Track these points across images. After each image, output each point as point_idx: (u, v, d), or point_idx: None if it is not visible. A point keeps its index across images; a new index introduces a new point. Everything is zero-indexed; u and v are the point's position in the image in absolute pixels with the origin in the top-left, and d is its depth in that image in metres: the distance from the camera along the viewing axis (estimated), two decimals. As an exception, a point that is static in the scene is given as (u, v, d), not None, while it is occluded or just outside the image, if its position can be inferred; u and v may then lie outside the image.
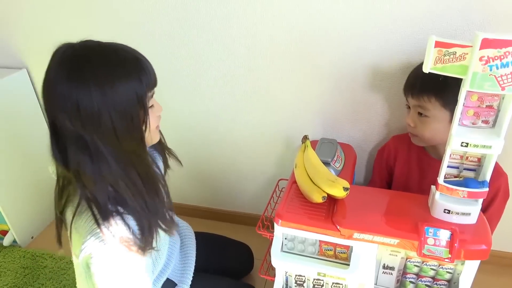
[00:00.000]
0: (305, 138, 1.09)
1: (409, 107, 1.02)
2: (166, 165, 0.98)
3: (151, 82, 0.72)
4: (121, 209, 0.72)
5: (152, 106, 0.76)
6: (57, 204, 0.78)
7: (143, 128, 0.73)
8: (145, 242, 0.74)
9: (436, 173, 0.84)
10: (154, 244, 0.77)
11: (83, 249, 0.70)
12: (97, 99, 0.65)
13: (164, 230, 0.82)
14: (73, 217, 0.73)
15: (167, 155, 0.97)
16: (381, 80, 1.12)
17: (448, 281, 0.89)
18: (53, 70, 0.67)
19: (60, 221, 0.78)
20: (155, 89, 0.77)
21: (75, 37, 0.72)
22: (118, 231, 0.70)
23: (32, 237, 1.60)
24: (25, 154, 1.52)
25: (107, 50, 0.69)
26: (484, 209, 0.87)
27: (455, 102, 0.76)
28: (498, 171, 0.99)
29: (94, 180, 0.69)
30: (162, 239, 0.85)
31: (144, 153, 0.75)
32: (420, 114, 0.97)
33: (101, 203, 0.70)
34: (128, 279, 0.75)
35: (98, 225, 0.69)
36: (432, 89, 0.92)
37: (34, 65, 1.46)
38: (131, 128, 0.70)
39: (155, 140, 0.82)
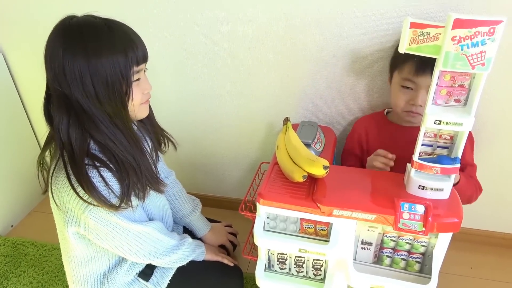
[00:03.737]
0: (286, 120, 1.11)
1: (407, 88, 1.01)
2: (158, 148, 1.00)
3: (138, 58, 0.78)
4: (99, 165, 0.77)
5: (138, 79, 0.82)
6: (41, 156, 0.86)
7: (126, 98, 0.79)
8: (121, 199, 0.80)
9: (407, 139, 0.90)
10: (135, 203, 0.83)
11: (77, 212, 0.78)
12: (80, 65, 0.73)
13: (153, 188, 0.89)
14: (52, 172, 0.81)
15: (161, 138, 1.01)
16: (360, 63, 1.15)
17: (423, 254, 0.93)
18: (52, 35, 0.76)
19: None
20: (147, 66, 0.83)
21: (52, 20, 0.74)
22: (94, 189, 0.76)
23: (12, 225, 1.58)
24: (3, 141, 1.49)
25: (101, 24, 0.76)
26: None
27: None
28: None
29: (69, 137, 0.76)
30: (152, 201, 0.91)
31: (127, 119, 0.81)
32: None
33: (78, 160, 0.76)
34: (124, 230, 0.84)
35: (70, 181, 0.76)
36: None
37: (11, 49, 1.42)
38: (112, 95, 0.76)
39: (140, 115, 0.88)
